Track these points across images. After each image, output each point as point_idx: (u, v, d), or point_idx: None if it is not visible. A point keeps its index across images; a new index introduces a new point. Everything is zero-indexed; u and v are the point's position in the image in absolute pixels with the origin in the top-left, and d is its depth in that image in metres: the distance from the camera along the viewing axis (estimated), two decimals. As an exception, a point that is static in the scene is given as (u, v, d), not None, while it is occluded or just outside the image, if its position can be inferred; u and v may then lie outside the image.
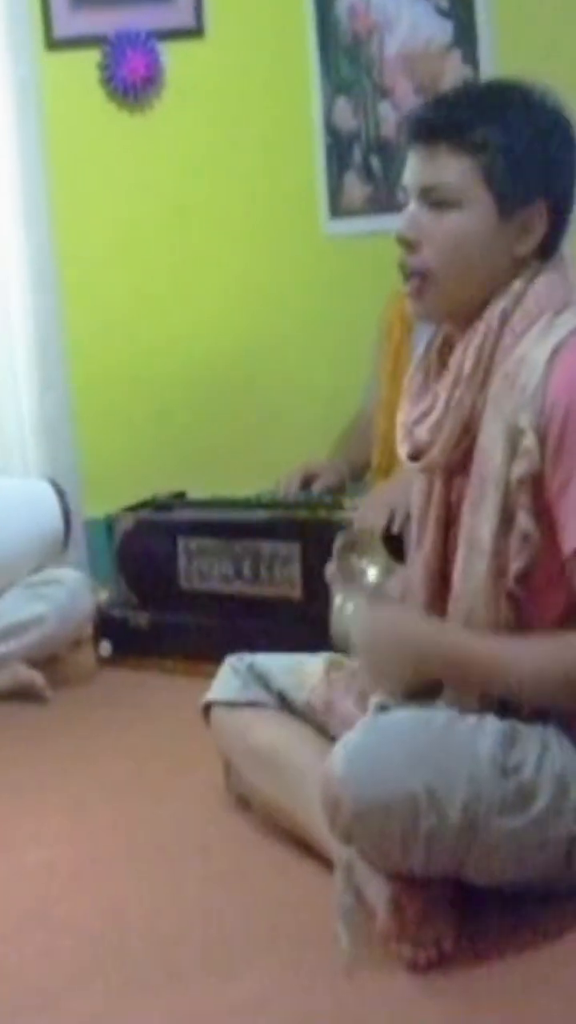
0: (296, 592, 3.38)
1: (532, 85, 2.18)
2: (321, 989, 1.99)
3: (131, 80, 4.22)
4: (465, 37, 4.25)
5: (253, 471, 3.99)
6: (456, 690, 2.16)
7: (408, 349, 3.64)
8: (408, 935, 2.02)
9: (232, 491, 3.75)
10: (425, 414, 2.22)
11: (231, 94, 4.28)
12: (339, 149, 4.36)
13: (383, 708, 2.15)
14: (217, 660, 3.18)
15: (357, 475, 3.77)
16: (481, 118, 2.13)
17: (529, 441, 2.06)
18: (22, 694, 3.39)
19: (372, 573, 2.36)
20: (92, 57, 4.20)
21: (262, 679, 2.56)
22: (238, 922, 2.22)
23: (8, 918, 2.33)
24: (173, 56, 4.24)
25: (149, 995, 2.03)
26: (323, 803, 2.05)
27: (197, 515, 3.62)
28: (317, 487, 3.63)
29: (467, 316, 2.18)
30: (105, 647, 3.63)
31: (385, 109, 4.32)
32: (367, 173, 4.34)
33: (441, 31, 4.28)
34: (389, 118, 4.32)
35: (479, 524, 2.14)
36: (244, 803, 2.60)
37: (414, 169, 2.18)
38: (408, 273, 2.21)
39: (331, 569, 2.40)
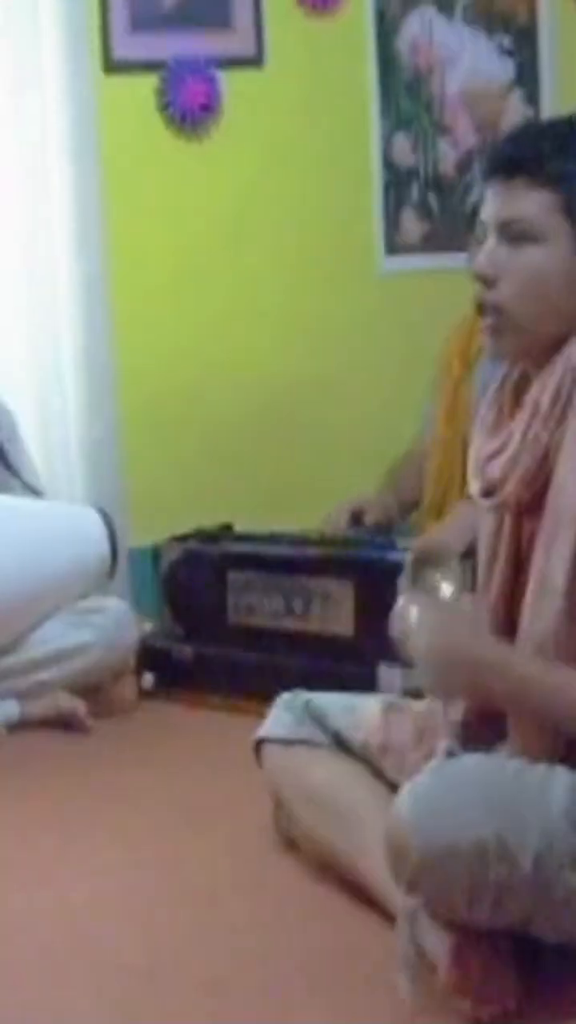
0: (347, 630, 3.33)
1: None
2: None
3: (189, 108, 4.19)
4: (527, 76, 4.25)
5: (300, 506, 3.95)
6: (513, 716, 2.11)
7: (468, 387, 3.60)
8: (471, 989, 1.96)
9: (278, 525, 3.70)
10: (499, 451, 2.17)
11: (289, 126, 4.26)
12: (397, 185, 4.33)
13: (451, 753, 2.09)
14: (262, 697, 3.13)
15: (405, 512, 3.72)
16: (559, 151, 2.09)
17: None
18: (62, 723, 3.34)
19: (446, 588, 2.29)
20: (150, 82, 4.17)
21: (318, 717, 2.50)
22: (290, 967, 2.16)
23: (54, 953, 2.27)
24: (231, 85, 4.21)
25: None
26: (387, 849, 1.99)
27: (247, 548, 3.57)
28: (367, 521, 3.58)
29: (545, 353, 2.13)
30: (148, 679, 3.58)
31: (444, 146, 4.31)
32: (425, 210, 4.32)
33: (503, 70, 4.27)
34: (448, 156, 4.30)
35: (552, 564, 2.08)
36: (293, 843, 2.54)
37: (492, 203, 2.14)
38: (484, 310, 2.16)
39: (403, 581, 2.34)
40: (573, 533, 2.05)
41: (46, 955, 2.26)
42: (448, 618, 2.17)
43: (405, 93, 4.30)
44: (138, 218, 4.18)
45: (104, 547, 3.46)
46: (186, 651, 3.55)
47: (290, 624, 3.42)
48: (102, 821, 2.80)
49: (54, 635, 3.40)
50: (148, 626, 3.65)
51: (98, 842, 2.70)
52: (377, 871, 2.22)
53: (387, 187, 4.33)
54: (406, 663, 2.24)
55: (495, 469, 2.17)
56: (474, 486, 2.23)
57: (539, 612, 2.10)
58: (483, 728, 2.19)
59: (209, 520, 3.79)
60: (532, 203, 2.09)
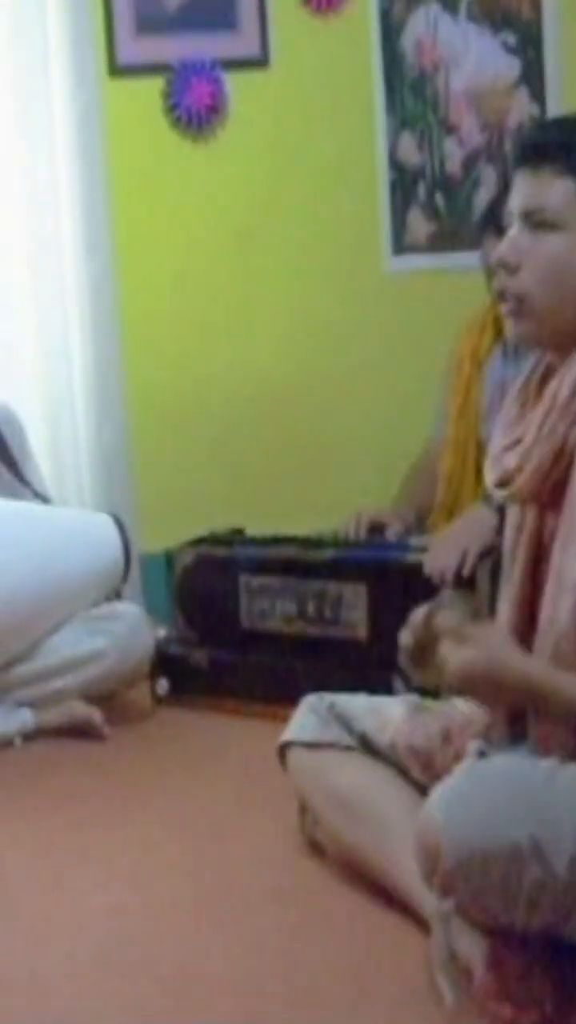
0: (361, 634, 3.30)
1: None
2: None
3: (195, 109, 4.17)
4: (532, 73, 4.21)
5: (311, 508, 3.93)
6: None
7: (478, 385, 3.59)
8: (508, 994, 1.93)
9: (289, 528, 3.68)
10: (516, 442, 2.16)
11: (295, 126, 4.24)
12: (403, 185, 4.30)
13: (482, 754, 2.06)
14: (279, 701, 3.12)
15: (423, 519, 3.70)
16: None
17: None
18: (77, 731, 3.31)
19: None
20: (156, 85, 4.16)
21: (343, 720, 2.47)
22: (323, 973, 2.13)
23: (78, 962, 2.24)
24: (237, 86, 4.19)
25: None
26: (419, 852, 1.96)
27: (260, 552, 3.53)
28: (389, 535, 3.55)
29: (566, 343, 2.12)
30: (162, 685, 3.55)
31: (450, 145, 4.27)
32: (431, 210, 4.28)
33: (508, 68, 4.23)
34: (454, 154, 4.27)
35: (569, 561, 2.06)
36: (317, 847, 2.52)
37: (518, 192, 2.14)
38: (505, 297, 2.15)
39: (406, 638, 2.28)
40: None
41: (72, 964, 2.23)
42: (485, 633, 2.15)
43: (410, 92, 4.27)
44: (145, 221, 4.16)
45: (118, 552, 3.43)
46: (201, 657, 3.51)
47: (304, 628, 3.39)
48: (122, 829, 2.77)
49: (68, 642, 3.37)
50: (162, 632, 3.61)
51: (119, 850, 2.67)
52: (406, 874, 2.20)
53: (393, 187, 4.30)
54: (406, 672, 2.22)
55: (510, 459, 2.16)
56: (489, 477, 2.21)
57: (556, 610, 2.08)
58: (507, 728, 2.17)
59: (220, 524, 3.77)
60: (556, 192, 2.08)
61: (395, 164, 4.30)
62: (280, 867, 2.52)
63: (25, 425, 3.67)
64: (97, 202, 3.92)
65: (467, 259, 4.11)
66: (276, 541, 3.59)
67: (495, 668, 2.05)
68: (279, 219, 4.25)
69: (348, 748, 2.45)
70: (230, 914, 2.36)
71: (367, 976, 2.11)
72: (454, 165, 4.27)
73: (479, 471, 3.59)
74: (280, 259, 4.27)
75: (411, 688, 2.40)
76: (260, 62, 4.20)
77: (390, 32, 4.25)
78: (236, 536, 3.72)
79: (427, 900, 2.08)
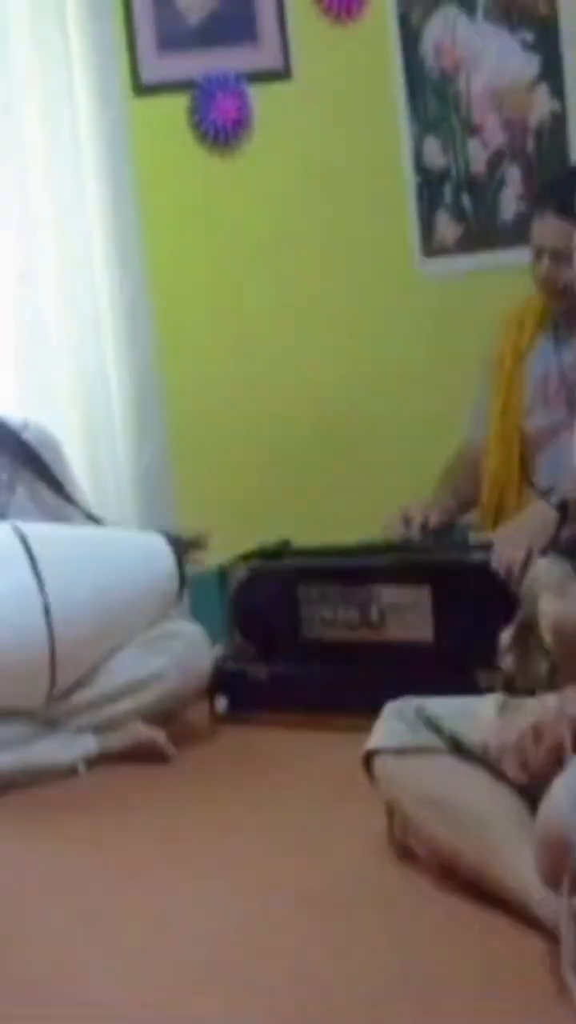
0: (427, 636, 3.27)
1: None
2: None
3: (221, 123, 4.16)
4: (551, 71, 4.20)
5: (354, 516, 3.89)
6: None
7: (520, 379, 3.57)
8: None
9: (334, 538, 3.64)
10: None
11: (320, 135, 4.23)
12: (429, 188, 4.29)
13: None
14: (343, 711, 3.08)
15: (464, 511, 3.67)
16: None
17: None
18: (140, 754, 3.25)
19: None
20: (181, 101, 4.15)
21: (432, 723, 2.43)
22: (442, 981, 2.08)
23: (183, 983, 2.18)
24: (261, 98, 4.18)
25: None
26: (544, 850, 1.93)
27: (316, 562, 3.51)
28: (431, 525, 3.51)
29: None
30: (221, 703, 3.50)
31: (474, 146, 4.26)
32: (458, 212, 4.27)
33: (527, 65, 4.23)
34: (479, 155, 4.26)
35: None
36: (409, 853, 2.47)
37: None
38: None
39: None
40: None
41: (177, 990, 2.17)
42: None
43: (432, 95, 4.26)
44: (176, 237, 4.15)
45: (173, 571, 3.39)
46: (261, 671, 3.47)
47: (367, 634, 3.36)
48: (205, 852, 2.72)
49: (127, 665, 3.32)
50: (218, 649, 3.57)
51: (213, 870, 2.61)
52: (510, 874, 2.16)
53: (420, 190, 4.29)
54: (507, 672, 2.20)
55: None
56: None
57: None
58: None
59: (265, 537, 3.72)
60: None
61: (420, 167, 4.29)
62: (376, 875, 2.48)
63: (62, 446, 3.64)
64: (127, 221, 3.91)
65: (497, 258, 4.11)
66: (329, 550, 3.56)
67: None
68: (309, 229, 4.24)
69: (437, 751, 2.41)
70: (336, 925, 2.31)
71: (488, 982, 2.06)
72: (479, 166, 4.26)
73: (524, 467, 3.58)
74: (312, 268, 4.25)
75: (506, 688, 2.37)
76: (283, 73, 4.20)
77: (409, 37, 4.25)
78: (285, 548, 3.68)
79: (543, 900, 2.04)
